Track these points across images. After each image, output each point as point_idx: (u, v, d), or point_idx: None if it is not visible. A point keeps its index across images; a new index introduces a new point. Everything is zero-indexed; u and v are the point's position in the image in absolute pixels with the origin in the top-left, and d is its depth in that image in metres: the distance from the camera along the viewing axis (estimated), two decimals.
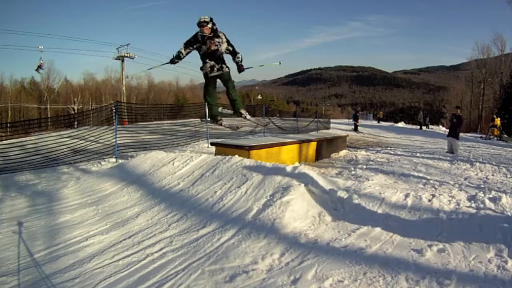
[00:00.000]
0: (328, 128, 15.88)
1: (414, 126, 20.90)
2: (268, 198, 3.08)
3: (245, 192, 3.28)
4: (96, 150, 6.36)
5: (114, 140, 6.34)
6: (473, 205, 3.04)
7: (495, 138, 15.73)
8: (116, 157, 6.15)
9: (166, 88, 50.43)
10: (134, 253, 2.40)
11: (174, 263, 2.21)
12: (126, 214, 3.23)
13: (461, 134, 20.72)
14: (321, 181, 3.56)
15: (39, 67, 19.92)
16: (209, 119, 4.53)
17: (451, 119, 8.15)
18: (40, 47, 19.07)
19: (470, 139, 15.14)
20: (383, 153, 7.22)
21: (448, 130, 8.29)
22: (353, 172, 4.90)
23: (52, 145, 5.95)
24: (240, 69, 3.85)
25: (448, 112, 29.87)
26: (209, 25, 3.53)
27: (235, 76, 3.97)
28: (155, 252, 2.38)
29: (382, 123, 25.51)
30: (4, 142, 6.19)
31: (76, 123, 9.04)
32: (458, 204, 3.08)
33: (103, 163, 5.98)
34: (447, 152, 7.58)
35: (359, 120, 17.78)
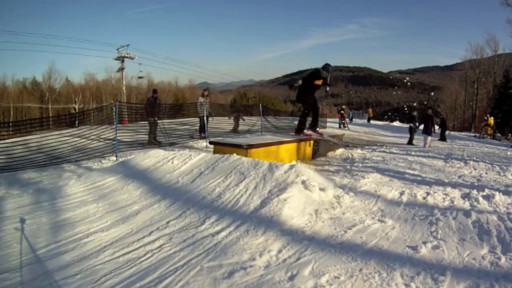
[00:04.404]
0: (324, 127, 15.93)
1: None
2: (266, 195, 3.11)
3: (243, 190, 3.31)
4: (97, 149, 6.40)
5: (115, 139, 6.39)
6: (467, 202, 3.08)
7: (489, 137, 15.90)
8: (116, 156, 6.19)
9: (165, 88, 50.51)
10: (134, 250, 2.43)
11: (174, 259, 2.24)
12: (126, 212, 3.26)
13: (455, 133, 20.87)
14: (318, 179, 3.61)
15: None
16: None
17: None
18: None
19: (464, 138, 15.21)
20: (378, 151, 7.24)
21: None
22: (349, 170, 4.92)
23: (54, 144, 6.00)
24: None
25: (443, 111, 30.02)
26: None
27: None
28: (155, 249, 2.41)
29: (374, 122, 25.36)
30: (7, 140, 6.24)
31: (77, 122, 9.09)
32: (452, 202, 3.12)
33: (103, 161, 6.03)
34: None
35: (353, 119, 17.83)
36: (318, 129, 6.64)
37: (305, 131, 6.46)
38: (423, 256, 2.15)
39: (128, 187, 3.96)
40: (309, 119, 6.76)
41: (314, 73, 6.16)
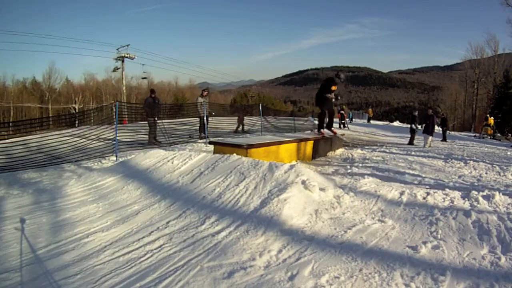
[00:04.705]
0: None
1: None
2: (266, 195, 3.11)
3: (243, 190, 3.31)
4: (97, 149, 6.40)
5: (115, 139, 6.39)
6: (467, 202, 3.07)
7: (489, 137, 15.93)
8: (116, 156, 6.19)
9: (165, 88, 50.63)
10: (134, 250, 2.43)
11: (174, 259, 2.24)
12: (126, 212, 3.26)
13: (455, 133, 20.90)
14: (318, 179, 3.61)
15: None
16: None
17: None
18: None
19: (464, 138, 15.21)
20: (378, 151, 7.25)
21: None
22: (349, 170, 4.91)
23: (54, 144, 6.00)
24: None
25: (443, 111, 30.15)
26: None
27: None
28: (155, 249, 2.42)
29: (374, 122, 25.34)
30: (7, 140, 6.23)
31: (77, 122, 9.09)
32: (452, 202, 3.11)
33: (103, 161, 6.03)
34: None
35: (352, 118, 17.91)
36: (333, 128, 7.47)
37: (321, 130, 7.24)
38: (423, 256, 2.15)
39: (128, 187, 3.96)
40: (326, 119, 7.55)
41: (332, 80, 6.97)
